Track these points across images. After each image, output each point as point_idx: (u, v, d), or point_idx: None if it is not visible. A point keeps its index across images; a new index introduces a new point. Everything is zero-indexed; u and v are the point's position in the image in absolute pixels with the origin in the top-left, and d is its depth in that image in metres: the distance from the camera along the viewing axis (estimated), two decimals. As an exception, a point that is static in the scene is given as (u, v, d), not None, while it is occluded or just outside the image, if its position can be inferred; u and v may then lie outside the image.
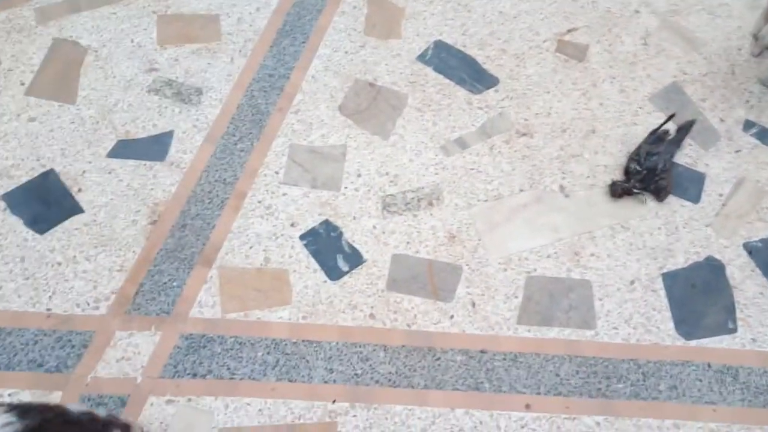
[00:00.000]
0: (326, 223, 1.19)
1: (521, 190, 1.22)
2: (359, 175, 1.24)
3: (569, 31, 1.40)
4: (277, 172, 1.25)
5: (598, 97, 1.31)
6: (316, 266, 1.15)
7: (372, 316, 1.12)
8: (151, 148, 1.29)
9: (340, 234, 1.18)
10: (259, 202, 1.23)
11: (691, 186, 1.20)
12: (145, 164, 1.28)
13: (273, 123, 1.31)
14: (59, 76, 1.38)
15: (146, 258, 1.18)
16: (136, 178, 1.26)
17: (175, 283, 1.15)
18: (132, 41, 1.42)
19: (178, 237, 1.20)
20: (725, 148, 1.24)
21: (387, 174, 1.24)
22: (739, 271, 1.13)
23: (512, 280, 1.13)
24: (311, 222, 1.19)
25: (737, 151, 1.25)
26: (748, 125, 1.27)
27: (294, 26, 1.42)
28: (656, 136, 1.23)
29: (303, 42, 1.40)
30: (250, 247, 1.18)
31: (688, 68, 1.33)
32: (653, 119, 1.28)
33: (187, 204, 1.23)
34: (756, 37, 1.20)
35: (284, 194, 1.23)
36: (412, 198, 1.21)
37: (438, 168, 1.24)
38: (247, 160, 1.27)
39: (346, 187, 1.22)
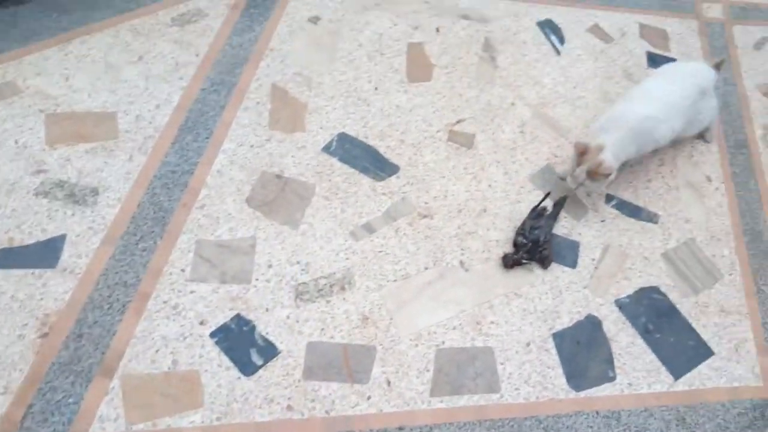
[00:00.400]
0: (238, 318, 1.57)
1: (426, 268, 1.72)
2: (270, 266, 1.65)
3: (458, 122, 2.05)
4: (183, 270, 1.63)
5: (486, 179, 1.93)
6: (229, 363, 1.52)
7: (290, 407, 1.49)
8: (40, 254, 1.61)
9: (253, 327, 1.56)
10: (165, 302, 1.58)
11: (569, 253, 1.82)
12: (33, 273, 1.59)
13: (177, 219, 1.70)
14: None
15: (36, 375, 1.47)
16: (22, 288, 1.56)
17: (71, 400, 1.44)
18: (16, 142, 1.76)
19: (74, 348, 1.50)
20: (593, 219, 1.91)
21: (298, 263, 1.67)
22: (614, 325, 1.71)
23: (423, 354, 1.58)
24: (222, 318, 1.57)
25: (602, 221, 1.91)
26: (608, 198, 1.97)
27: (197, 122, 1.89)
28: (537, 212, 1.83)
29: (207, 137, 1.86)
30: (156, 351, 1.51)
31: (558, 151, 2.03)
32: (533, 197, 1.92)
33: (84, 312, 1.55)
34: (572, 176, 1.87)
35: (192, 292, 1.60)
36: (325, 284, 1.65)
37: (348, 253, 1.71)
38: (150, 260, 1.63)
39: (257, 279, 1.63)
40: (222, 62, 2.05)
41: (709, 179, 2.11)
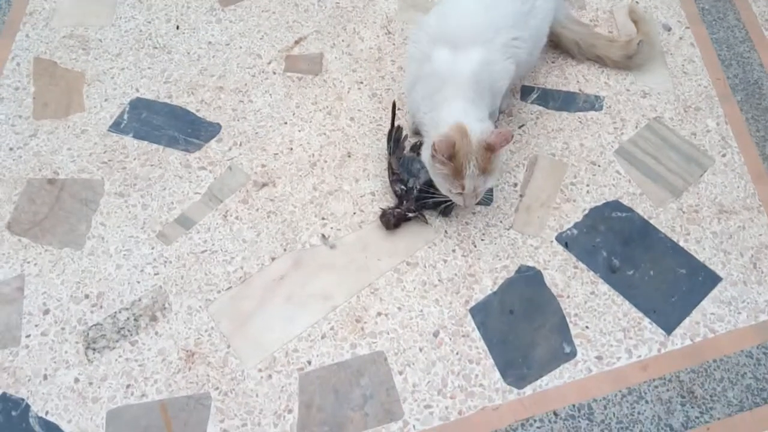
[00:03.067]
0: (3, 399, 1.08)
1: (273, 259, 1.19)
2: (47, 312, 1.15)
3: (297, 42, 1.48)
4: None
5: (346, 111, 1.37)
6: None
7: None
8: None
9: (27, 407, 1.06)
10: None
11: None
12: None
13: None
14: None
15: None
16: None
17: None
18: None
19: None
20: (505, 127, 1.32)
21: (87, 297, 1.16)
22: (560, 273, 1.16)
23: (281, 387, 1.06)
24: (-19, 403, 1.08)
25: (521, 126, 1.33)
26: (526, 92, 1.38)
27: (-69, 137, 1.37)
28: (398, 138, 1.26)
29: (-52, 154, 1.34)
30: None
31: (445, 45, 1.43)
32: (421, 117, 1.33)
33: None
34: (463, 195, 1.13)
35: (-56, 373, 1.11)
36: (127, 319, 1.14)
37: (157, 265, 1.19)
38: None
39: (28, 336, 1.13)
40: (-36, 49, 1.54)
41: (667, 28, 1.49)
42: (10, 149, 1.35)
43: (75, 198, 1.29)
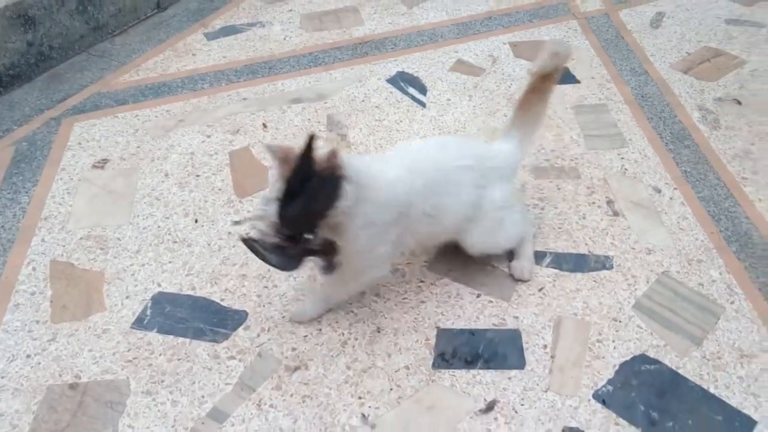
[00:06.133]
0: None
1: (314, 446, 1.37)
2: None
3: None
4: None
5: (371, 287, 1.65)
6: None
7: None
8: None
9: None
10: None
11: (510, 350, 1.52)
12: None
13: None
14: None
15: None
16: None
17: None
18: None
19: None
20: (526, 291, 1.63)
21: (119, 508, 1.30)
22: (603, 431, 1.37)
23: None
24: None
25: (540, 290, 1.64)
26: (539, 256, 1.71)
27: (-57, 351, 1.56)
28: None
29: (-39, 368, 1.53)
30: None
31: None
32: (445, 289, 1.63)
33: None
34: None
35: None
36: None
37: (193, 464, 1.35)
38: None
39: None
40: (-22, 259, 1.80)
41: (657, 190, 1.91)
42: (28, 356, 1.55)
43: (99, 401, 1.47)
